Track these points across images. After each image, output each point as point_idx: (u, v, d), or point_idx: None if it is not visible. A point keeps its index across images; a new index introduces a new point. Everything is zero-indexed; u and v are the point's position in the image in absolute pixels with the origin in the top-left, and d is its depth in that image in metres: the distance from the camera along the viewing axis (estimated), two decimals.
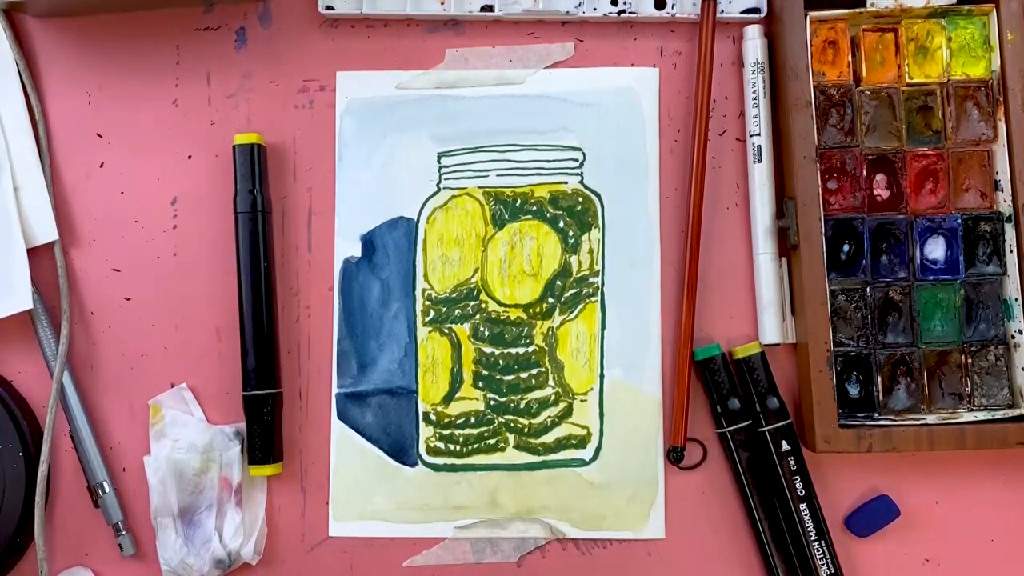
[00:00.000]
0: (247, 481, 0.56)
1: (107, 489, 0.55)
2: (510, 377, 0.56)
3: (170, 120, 0.59)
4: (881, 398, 0.54)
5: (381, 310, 0.57)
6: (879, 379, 0.54)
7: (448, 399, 0.57)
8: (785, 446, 0.54)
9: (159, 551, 0.55)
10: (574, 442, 0.56)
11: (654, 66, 0.58)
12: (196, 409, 0.57)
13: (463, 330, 0.57)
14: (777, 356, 0.56)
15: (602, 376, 0.56)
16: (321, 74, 0.58)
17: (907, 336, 0.54)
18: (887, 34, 0.56)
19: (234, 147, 0.56)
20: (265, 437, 0.55)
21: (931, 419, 0.54)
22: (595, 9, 0.57)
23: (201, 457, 0.55)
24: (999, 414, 0.54)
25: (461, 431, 0.56)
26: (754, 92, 0.56)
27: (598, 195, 0.57)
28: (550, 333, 0.57)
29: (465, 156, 0.58)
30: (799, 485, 0.54)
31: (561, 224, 0.57)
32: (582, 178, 0.57)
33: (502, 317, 0.57)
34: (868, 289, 0.55)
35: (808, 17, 0.55)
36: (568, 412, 0.56)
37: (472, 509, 0.56)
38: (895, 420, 0.54)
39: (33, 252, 0.57)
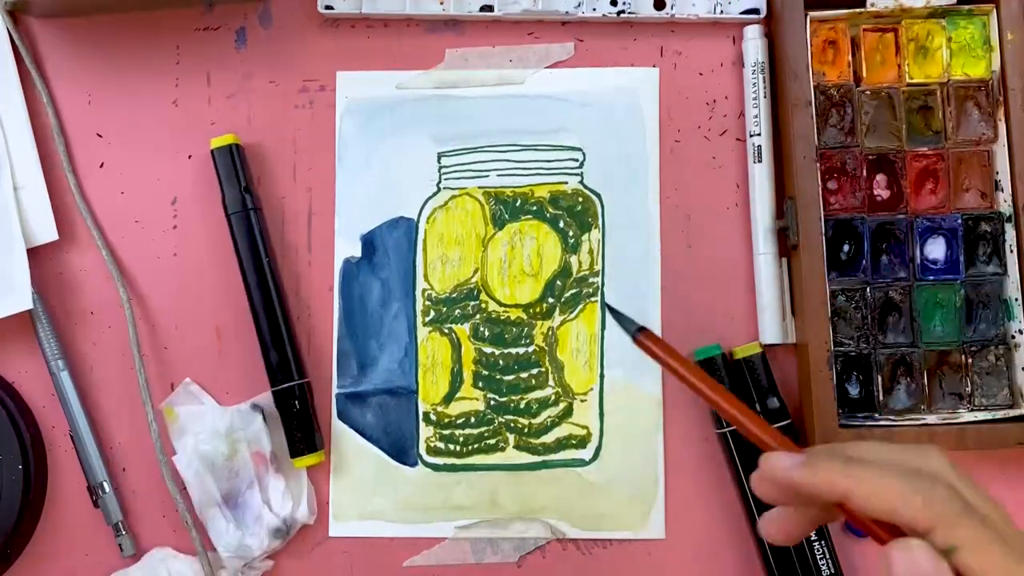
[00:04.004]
0: (280, 448, 0.56)
1: (107, 489, 0.55)
2: (510, 377, 0.56)
3: (170, 120, 0.59)
4: (881, 398, 0.54)
5: (381, 310, 0.57)
6: (879, 379, 0.54)
7: (448, 399, 0.57)
8: None
9: (214, 541, 0.54)
10: (574, 442, 0.56)
11: (654, 66, 0.58)
12: (206, 398, 0.57)
13: (463, 330, 0.57)
14: (777, 356, 0.56)
15: (602, 376, 0.56)
16: (321, 74, 0.58)
17: (907, 336, 0.54)
18: (887, 34, 0.55)
19: (212, 151, 0.56)
20: (302, 428, 0.55)
21: (931, 419, 0.54)
22: (595, 9, 0.57)
23: (227, 441, 0.55)
24: (999, 414, 0.54)
25: (461, 431, 0.56)
26: (754, 92, 0.56)
27: (598, 195, 0.57)
28: (550, 333, 0.57)
29: (465, 156, 0.58)
30: None
31: (561, 224, 0.57)
32: (582, 178, 0.57)
33: (502, 317, 0.57)
34: (868, 289, 0.54)
35: (808, 17, 0.55)
36: (568, 412, 0.56)
37: (472, 509, 0.56)
38: (895, 420, 0.54)
39: (33, 252, 0.56)
